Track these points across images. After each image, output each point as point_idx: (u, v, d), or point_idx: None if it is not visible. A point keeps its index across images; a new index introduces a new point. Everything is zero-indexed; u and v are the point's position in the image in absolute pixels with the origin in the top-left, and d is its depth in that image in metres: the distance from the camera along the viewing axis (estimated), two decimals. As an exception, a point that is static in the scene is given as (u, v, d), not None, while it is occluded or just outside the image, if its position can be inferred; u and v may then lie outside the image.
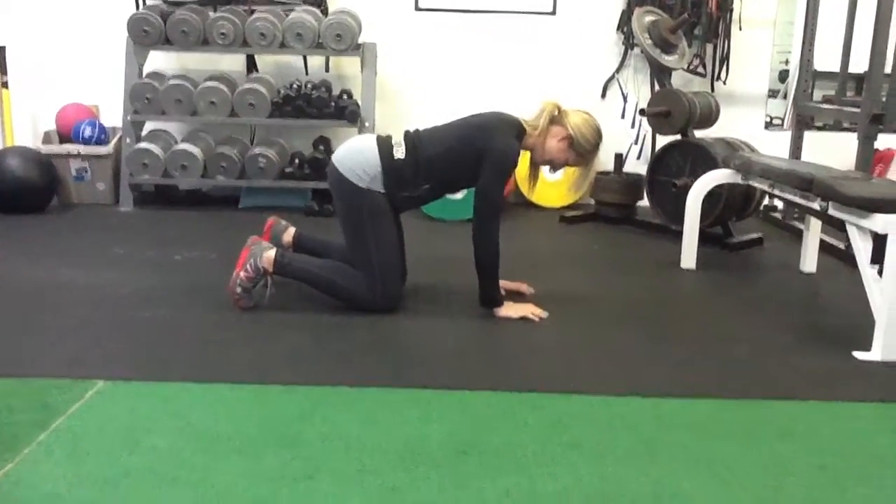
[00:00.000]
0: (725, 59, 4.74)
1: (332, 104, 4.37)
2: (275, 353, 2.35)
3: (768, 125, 4.93)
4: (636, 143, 4.87)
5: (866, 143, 3.52)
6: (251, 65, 4.73)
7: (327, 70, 4.75)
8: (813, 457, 1.82)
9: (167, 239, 3.73)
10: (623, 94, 4.85)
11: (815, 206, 2.75)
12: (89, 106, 4.67)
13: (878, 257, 2.41)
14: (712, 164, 3.72)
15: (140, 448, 1.76)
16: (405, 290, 2.84)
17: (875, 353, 2.42)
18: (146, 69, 4.54)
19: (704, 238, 3.58)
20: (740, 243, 3.89)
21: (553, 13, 4.77)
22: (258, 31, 4.26)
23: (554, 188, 4.70)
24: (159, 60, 4.68)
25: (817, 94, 4.54)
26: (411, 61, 4.80)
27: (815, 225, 3.38)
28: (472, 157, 2.63)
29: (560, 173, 4.62)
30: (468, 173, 2.65)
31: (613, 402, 2.08)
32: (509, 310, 2.70)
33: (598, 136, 2.75)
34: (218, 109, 4.33)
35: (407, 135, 2.74)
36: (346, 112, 4.34)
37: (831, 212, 2.65)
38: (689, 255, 3.47)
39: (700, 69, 4.72)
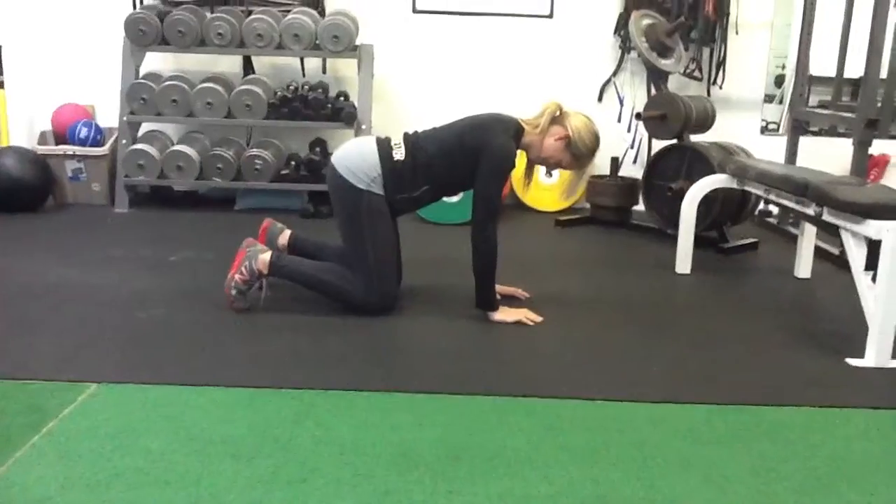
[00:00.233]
0: (722, 63, 4.76)
1: (329, 106, 4.37)
2: (269, 356, 2.35)
3: (764, 130, 4.94)
4: (632, 146, 4.88)
5: (861, 148, 3.53)
6: (248, 66, 4.73)
7: (324, 72, 4.74)
8: (805, 462, 1.82)
9: (162, 240, 3.73)
10: (619, 97, 4.85)
11: (810, 211, 2.76)
12: (85, 106, 4.67)
13: (872, 263, 2.41)
14: (708, 168, 3.72)
15: (133, 451, 1.76)
16: (400, 293, 2.84)
17: (868, 360, 2.43)
18: (143, 70, 4.54)
19: (699, 242, 3.58)
20: (735, 248, 3.90)
21: (550, 16, 4.78)
22: (255, 32, 4.26)
23: (549, 192, 4.71)
24: (156, 61, 4.68)
25: (813, 99, 4.55)
26: (408, 63, 4.81)
27: (810, 230, 3.38)
28: (471, 157, 2.64)
29: (556, 176, 4.65)
30: (467, 174, 2.65)
31: (607, 406, 2.08)
32: (504, 314, 2.71)
33: (596, 141, 2.75)
34: (214, 111, 4.33)
35: (406, 136, 2.75)
36: (343, 114, 4.34)
37: (826, 217, 2.65)
38: (683, 260, 3.47)
39: (696, 73, 4.73)
